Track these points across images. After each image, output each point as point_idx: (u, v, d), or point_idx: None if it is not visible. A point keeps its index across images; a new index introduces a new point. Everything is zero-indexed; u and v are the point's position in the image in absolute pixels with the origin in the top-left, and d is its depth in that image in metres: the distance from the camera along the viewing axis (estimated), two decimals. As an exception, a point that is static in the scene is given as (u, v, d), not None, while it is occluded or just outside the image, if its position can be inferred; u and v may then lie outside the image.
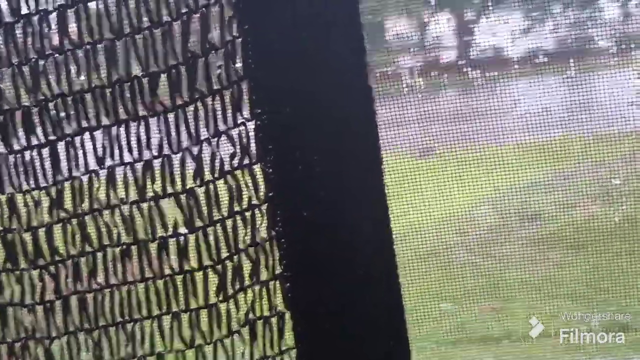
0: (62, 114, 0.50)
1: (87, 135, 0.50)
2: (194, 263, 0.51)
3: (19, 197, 0.53)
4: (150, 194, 0.50)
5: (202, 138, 0.49)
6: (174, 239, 0.51)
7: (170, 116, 0.49)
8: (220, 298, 0.51)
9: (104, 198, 0.51)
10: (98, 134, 0.50)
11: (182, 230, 0.50)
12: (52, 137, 0.51)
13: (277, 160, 0.47)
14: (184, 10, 0.47)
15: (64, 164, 0.52)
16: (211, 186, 0.49)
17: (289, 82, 0.46)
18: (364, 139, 0.47)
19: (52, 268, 0.53)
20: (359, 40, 0.46)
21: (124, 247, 0.52)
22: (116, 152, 0.50)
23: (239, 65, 0.47)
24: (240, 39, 0.46)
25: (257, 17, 0.46)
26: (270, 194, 0.48)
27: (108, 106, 0.49)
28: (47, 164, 0.52)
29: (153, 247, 0.51)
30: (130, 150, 0.50)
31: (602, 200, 1.29)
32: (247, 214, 0.49)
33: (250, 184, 0.49)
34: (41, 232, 0.53)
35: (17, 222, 0.53)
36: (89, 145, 0.51)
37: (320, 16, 0.46)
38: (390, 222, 0.48)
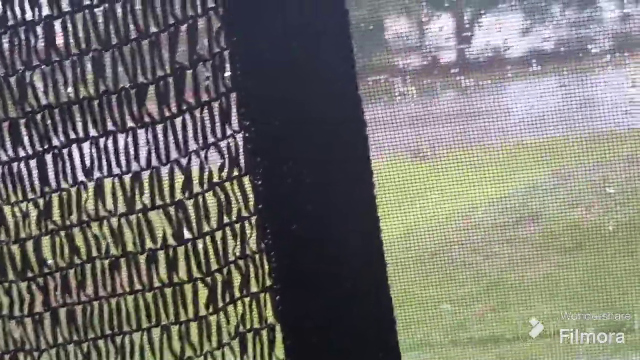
0: (49, 125, 0.50)
1: (75, 146, 0.50)
2: (183, 275, 0.50)
3: (7, 209, 0.53)
4: (139, 205, 0.50)
5: (191, 150, 0.48)
6: (163, 251, 0.50)
7: (159, 127, 0.48)
8: (210, 310, 0.50)
9: (92, 210, 0.51)
10: (86, 146, 0.50)
11: (171, 242, 0.50)
12: (39, 149, 0.51)
13: (266, 173, 0.46)
14: (171, 22, 0.46)
15: (51, 176, 0.51)
16: (200, 198, 0.49)
17: (279, 92, 0.45)
18: (353, 150, 0.46)
19: (40, 280, 0.53)
20: (349, 50, 0.46)
21: (113, 259, 0.51)
22: (104, 163, 0.50)
23: (227, 75, 0.47)
24: (227, 51, 0.46)
25: (247, 26, 0.45)
26: (259, 207, 0.47)
27: (96, 117, 0.49)
28: (35, 176, 0.51)
29: (142, 259, 0.51)
30: (118, 162, 0.49)
31: (601, 201, 1.29)
32: (237, 225, 0.49)
33: (239, 196, 0.48)
34: (29, 244, 0.52)
35: (4, 234, 0.53)
36: (77, 157, 0.50)
37: (311, 25, 0.45)
38: (381, 234, 0.47)
